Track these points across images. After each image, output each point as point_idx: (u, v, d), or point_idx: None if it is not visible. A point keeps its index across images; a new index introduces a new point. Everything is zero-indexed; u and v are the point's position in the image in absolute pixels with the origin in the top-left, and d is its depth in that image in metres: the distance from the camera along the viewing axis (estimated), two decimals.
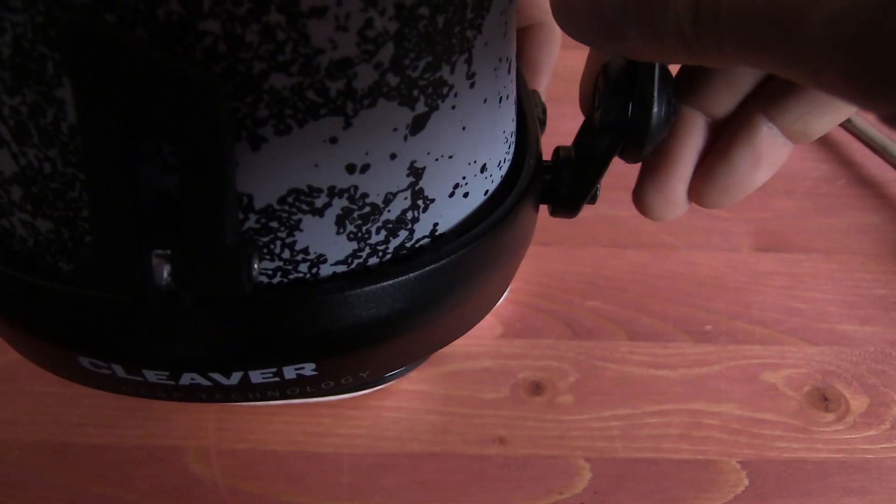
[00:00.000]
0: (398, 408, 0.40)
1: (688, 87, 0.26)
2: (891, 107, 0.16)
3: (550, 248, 0.47)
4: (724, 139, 0.26)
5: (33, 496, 0.36)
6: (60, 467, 0.37)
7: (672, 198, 0.27)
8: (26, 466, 0.37)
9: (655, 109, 0.24)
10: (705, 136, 0.26)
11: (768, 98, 0.25)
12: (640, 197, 0.27)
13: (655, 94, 0.23)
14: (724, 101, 0.26)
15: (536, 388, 0.41)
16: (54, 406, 0.39)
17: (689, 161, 0.26)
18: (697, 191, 0.26)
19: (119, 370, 0.22)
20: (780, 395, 0.41)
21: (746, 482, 0.38)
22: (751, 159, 0.25)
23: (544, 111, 0.30)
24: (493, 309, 0.43)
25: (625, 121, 0.24)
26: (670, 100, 0.24)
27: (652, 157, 0.27)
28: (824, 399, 0.41)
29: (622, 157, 0.26)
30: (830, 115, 0.25)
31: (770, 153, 0.25)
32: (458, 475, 0.37)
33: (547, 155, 0.28)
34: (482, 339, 0.42)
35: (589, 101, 0.27)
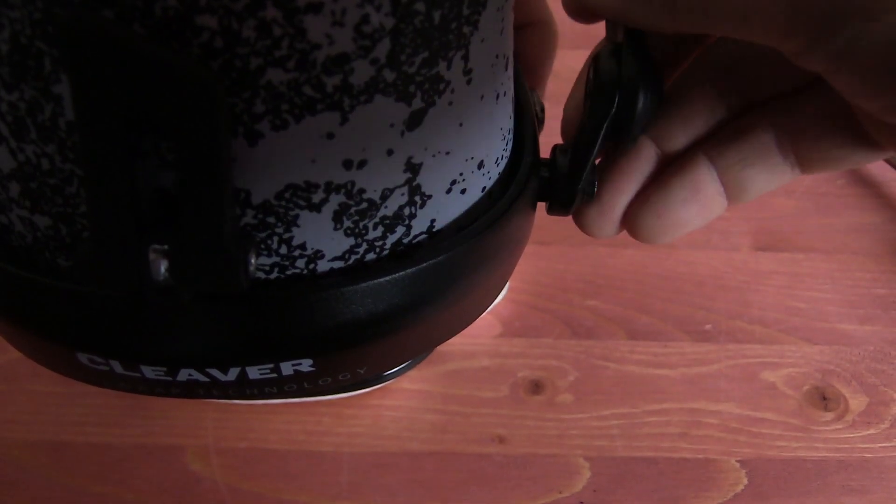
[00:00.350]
0: (398, 407, 0.40)
1: None
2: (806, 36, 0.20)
3: (550, 248, 0.47)
4: (666, 171, 0.27)
5: (32, 495, 0.36)
6: (60, 466, 0.37)
7: (608, 213, 0.28)
8: (25, 465, 0.37)
9: (641, 97, 0.24)
10: (652, 166, 0.27)
11: (714, 142, 0.26)
12: (578, 209, 0.28)
13: (640, 82, 0.24)
14: (676, 136, 0.27)
15: (536, 387, 0.41)
16: (54, 405, 0.39)
17: (631, 183, 0.27)
18: (631, 213, 0.27)
19: (117, 366, 0.22)
20: (780, 394, 0.41)
21: (746, 481, 0.38)
22: (685, 192, 0.26)
23: (542, 109, 0.31)
24: (493, 308, 0.43)
25: (613, 108, 0.25)
26: (656, 89, 0.25)
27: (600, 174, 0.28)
28: (823, 398, 0.41)
29: (612, 138, 0.26)
30: (767, 171, 0.26)
31: (704, 194, 0.26)
32: (458, 474, 0.37)
33: (545, 154, 0.28)
34: (481, 338, 0.42)
35: (572, 128, 0.28)
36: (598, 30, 0.26)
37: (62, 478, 0.37)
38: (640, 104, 0.24)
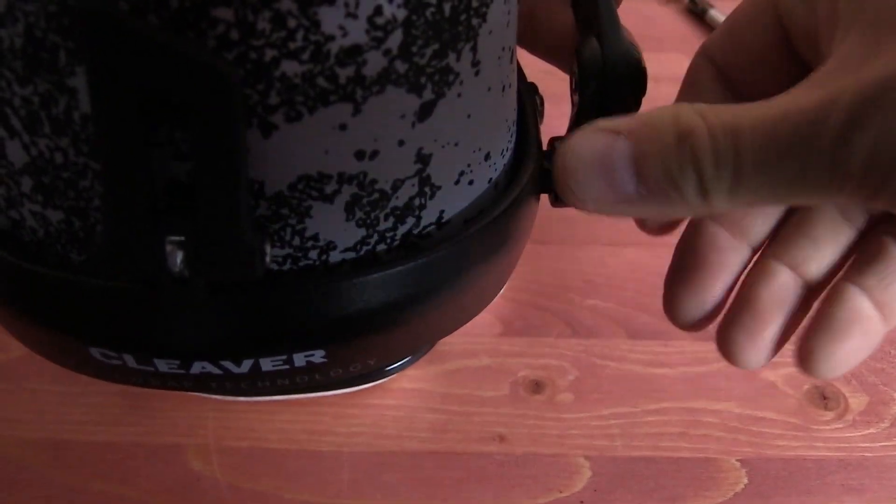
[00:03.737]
0: (398, 406, 0.40)
1: (775, 242, 0.27)
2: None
3: (550, 247, 0.47)
4: (822, 306, 0.26)
5: (34, 494, 0.36)
6: (61, 465, 0.37)
7: (759, 344, 0.27)
8: (27, 464, 0.37)
9: (624, 72, 0.26)
10: (797, 294, 0.27)
11: (853, 267, 0.26)
12: (727, 345, 0.27)
13: (622, 59, 0.26)
14: (811, 260, 0.27)
15: (536, 386, 0.41)
16: (55, 404, 0.39)
17: (778, 311, 0.27)
18: (805, 352, 0.26)
19: (130, 360, 0.22)
20: (780, 393, 0.41)
21: (746, 480, 0.38)
22: (848, 323, 0.25)
23: (542, 103, 0.31)
24: (493, 307, 0.43)
25: (601, 85, 0.26)
26: (638, 67, 0.26)
27: (738, 309, 0.27)
28: (823, 397, 0.41)
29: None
30: None
31: (866, 321, 0.25)
32: (458, 473, 0.37)
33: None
34: (482, 337, 0.42)
35: None
36: None
37: (63, 476, 0.37)
38: (626, 80, 0.26)
